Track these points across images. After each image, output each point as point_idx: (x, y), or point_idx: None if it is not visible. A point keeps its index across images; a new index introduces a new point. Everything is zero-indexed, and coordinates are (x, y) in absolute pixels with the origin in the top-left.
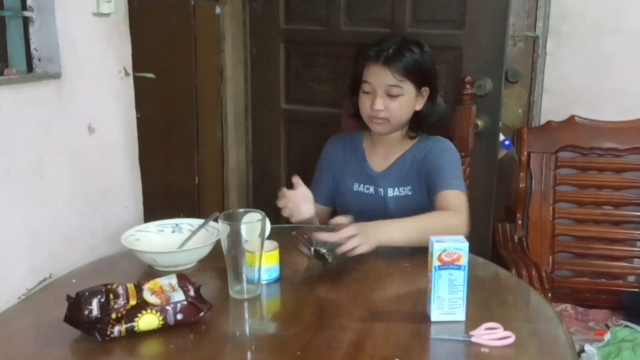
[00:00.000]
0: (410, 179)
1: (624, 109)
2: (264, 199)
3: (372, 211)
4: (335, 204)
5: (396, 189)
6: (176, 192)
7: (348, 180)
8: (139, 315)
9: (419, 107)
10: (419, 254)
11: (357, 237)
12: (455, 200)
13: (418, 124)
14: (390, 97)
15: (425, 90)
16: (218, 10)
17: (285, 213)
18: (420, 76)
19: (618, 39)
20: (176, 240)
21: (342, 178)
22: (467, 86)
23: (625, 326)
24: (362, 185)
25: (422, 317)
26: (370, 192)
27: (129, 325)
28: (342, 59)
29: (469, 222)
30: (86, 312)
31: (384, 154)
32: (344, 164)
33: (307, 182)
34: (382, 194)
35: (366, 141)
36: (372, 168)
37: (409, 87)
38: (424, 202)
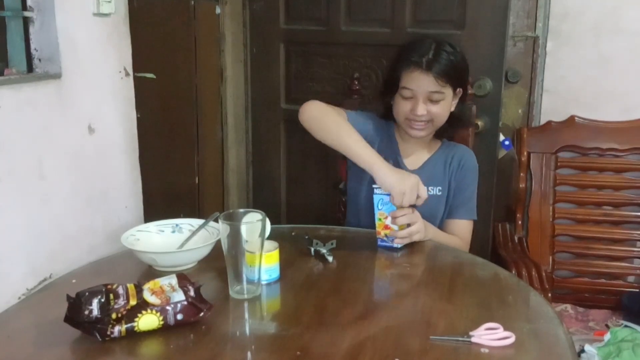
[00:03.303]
0: (441, 180)
1: (624, 109)
2: (264, 199)
3: None
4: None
5: (427, 188)
6: (176, 192)
7: None
8: (139, 315)
9: (453, 108)
10: (418, 254)
11: (417, 225)
12: (466, 232)
13: (449, 125)
14: (432, 102)
15: (459, 91)
16: (218, 10)
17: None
18: (458, 79)
19: (618, 39)
20: (176, 240)
21: None
22: (467, 86)
23: (625, 326)
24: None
25: (422, 318)
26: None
27: (129, 325)
28: (342, 58)
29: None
30: (86, 312)
31: (416, 152)
32: (380, 148)
33: (307, 181)
34: None
35: (398, 134)
36: (406, 164)
37: (448, 91)
38: (447, 204)
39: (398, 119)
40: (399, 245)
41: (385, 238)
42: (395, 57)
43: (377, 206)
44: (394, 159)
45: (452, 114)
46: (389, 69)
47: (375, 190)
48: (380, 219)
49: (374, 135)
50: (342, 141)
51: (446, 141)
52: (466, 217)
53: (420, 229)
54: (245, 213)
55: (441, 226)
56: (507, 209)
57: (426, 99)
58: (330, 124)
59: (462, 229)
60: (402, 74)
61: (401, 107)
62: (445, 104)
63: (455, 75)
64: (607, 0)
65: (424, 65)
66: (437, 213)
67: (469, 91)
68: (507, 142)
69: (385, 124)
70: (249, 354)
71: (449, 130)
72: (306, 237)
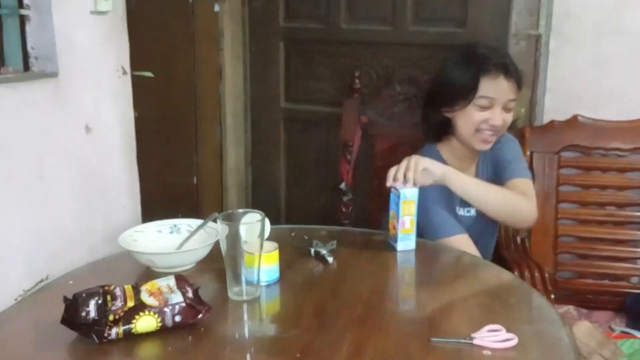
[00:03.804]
0: (493, 179)
1: (627, 108)
2: (263, 199)
3: (471, 231)
4: None
5: None
6: (175, 192)
7: (452, 201)
8: (137, 317)
9: None
10: (420, 255)
11: (404, 163)
12: (525, 186)
13: None
14: (505, 111)
15: None
16: (217, 8)
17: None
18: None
19: (621, 38)
20: (174, 241)
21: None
22: None
23: (622, 332)
24: (462, 208)
25: (424, 319)
26: (470, 214)
27: (126, 327)
28: (343, 57)
29: (537, 209)
30: (83, 314)
31: (464, 165)
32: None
33: (307, 181)
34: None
35: (445, 155)
36: None
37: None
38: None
39: (466, 132)
40: (399, 248)
41: (390, 237)
42: (465, 63)
43: (391, 205)
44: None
45: None
46: (456, 78)
47: (391, 189)
48: (391, 217)
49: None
50: None
51: None
52: (514, 176)
53: (413, 159)
54: (244, 213)
55: None
56: None
57: (503, 107)
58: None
59: (518, 186)
60: (482, 80)
61: (475, 118)
62: (513, 113)
63: (520, 81)
64: None
65: (504, 73)
66: (491, 222)
67: None
68: None
69: (430, 154)
70: (248, 356)
71: None
72: (306, 237)
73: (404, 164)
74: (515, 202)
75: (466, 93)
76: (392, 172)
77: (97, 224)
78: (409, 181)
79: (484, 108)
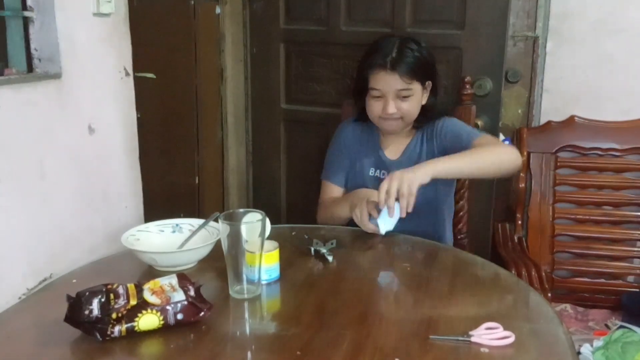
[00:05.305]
0: (428, 156)
1: (624, 109)
2: (264, 199)
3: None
4: (346, 185)
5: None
6: (176, 192)
7: (365, 164)
8: (140, 315)
9: (424, 101)
10: (418, 253)
11: (393, 188)
12: (490, 138)
13: (423, 117)
14: (401, 99)
15: (429, 84)
16: (218, 10)
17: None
18: (424, 73)
19: (618, 39)
20: (176, 240)
21: (359, 161)
22: (467, 86)
23: (621, 326)
24: (378, 170)
25: (422, 317)
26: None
27: (129, 325)
28: (342, 59)
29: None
30: (86, 312)
31: (396, 143)
32: (360, 148)
33: (307, 181)
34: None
35: (379, 129)
36: (387, 155)
37: (416, 86)
38: (437, 185)
39: (371, 118)
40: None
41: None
42: (361, 59)
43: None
44: (375, 155)
45: (424, 107)
46: (357, 72)
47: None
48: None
49: (354, 149)
50: (339, 218)
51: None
52: (473, 138)
53: (405, 182)
54: (245, 213)
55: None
56: (507, 208)
57: (395, 97)
58: (329, 218)
59: (479, 144)
60: (369, 75)
61: (373, 107)
62: (415, 100)
63: (421, 70)
64: (607, 0)
65: (388, 65)
66: (437, 182)
67: (468, 91)
68: (507, 142)
69: (367, 122)
70: (249, 354)
71: (424, 122)
72: (306, 237)
73: (394, 187)
74: (499, 150)
75: (362, 84)
76: (383, 195)
77: (99, 224)
78: (402, 210)
79: (377, 98)
